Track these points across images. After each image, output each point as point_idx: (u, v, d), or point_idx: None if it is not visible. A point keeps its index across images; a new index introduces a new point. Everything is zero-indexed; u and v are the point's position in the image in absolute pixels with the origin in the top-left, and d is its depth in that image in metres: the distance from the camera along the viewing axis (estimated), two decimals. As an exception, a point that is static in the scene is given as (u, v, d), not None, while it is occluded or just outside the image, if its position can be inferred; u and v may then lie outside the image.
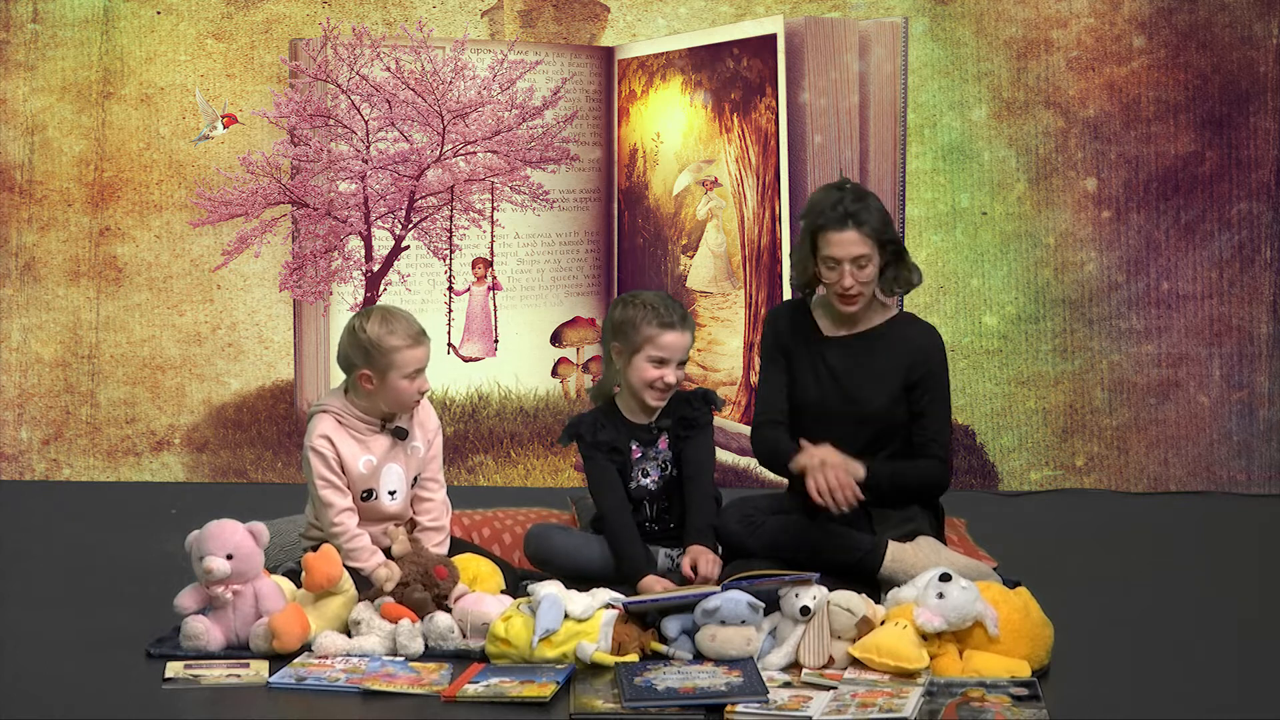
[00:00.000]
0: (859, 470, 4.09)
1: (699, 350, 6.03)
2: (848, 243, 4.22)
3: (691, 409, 4.31)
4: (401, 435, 4.20)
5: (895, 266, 4.31)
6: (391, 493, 4.18)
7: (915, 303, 5.90)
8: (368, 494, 4.16)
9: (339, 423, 4.16)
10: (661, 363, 4.24)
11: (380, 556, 4.08)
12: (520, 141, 6.07)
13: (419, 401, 4.20)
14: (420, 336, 4.15)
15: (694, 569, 4.13)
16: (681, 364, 4.27)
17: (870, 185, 5.88)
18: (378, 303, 6.05)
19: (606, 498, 4.26)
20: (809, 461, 4.10)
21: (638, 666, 3.60)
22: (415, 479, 4.23)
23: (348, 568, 3.96)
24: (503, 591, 4.04)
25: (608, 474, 4.27)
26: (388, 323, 4.13)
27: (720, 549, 4.23)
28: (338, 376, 6.04)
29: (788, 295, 5.90)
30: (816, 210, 4.28)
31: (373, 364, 4.12)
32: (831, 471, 4.07)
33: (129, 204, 6.05)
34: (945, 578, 3.69)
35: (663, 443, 4.31)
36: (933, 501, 4.35)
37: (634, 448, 4.29)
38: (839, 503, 4.06)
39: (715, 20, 6.02)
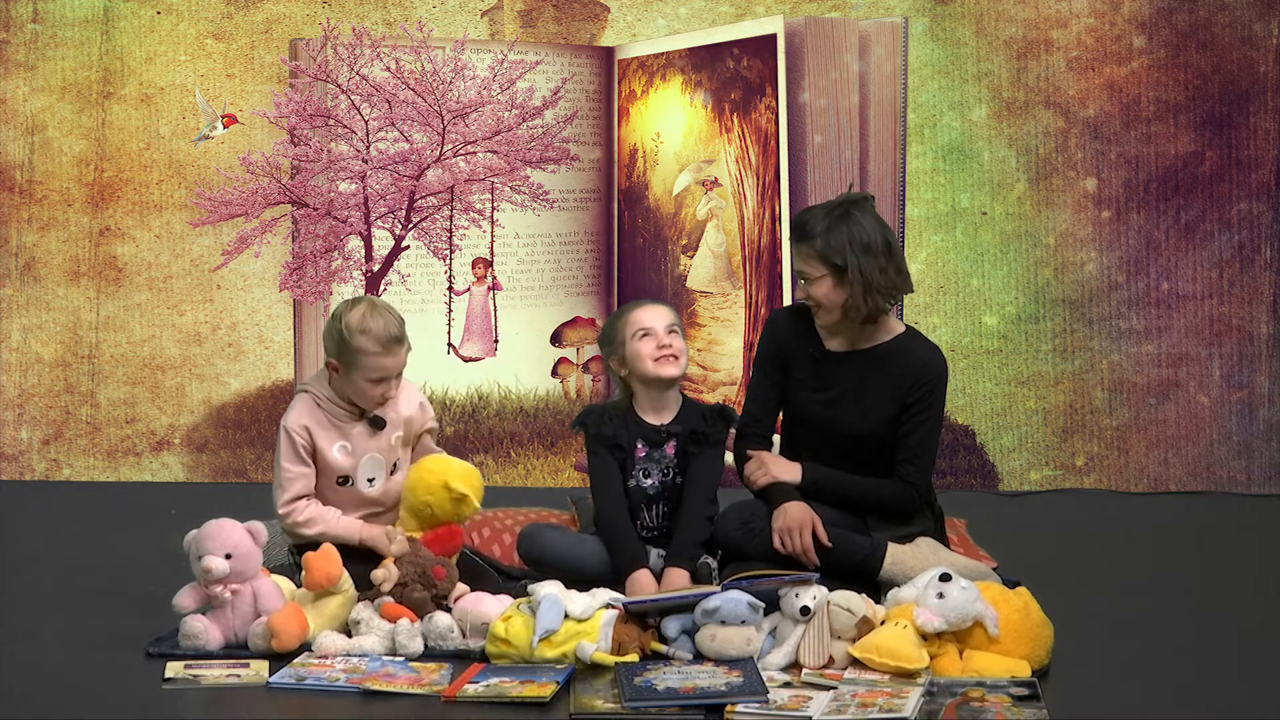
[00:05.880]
0: (822, 537, 4.15)
1: (699, 350, 6.04)
2: (794, 256, 4.27)
3: (706, 424, 4.29)
4: (379, 425, 4.18)
5: (860, 295, 4.19)
6: (370, 479, 4.19)
7: (916, 302, 5.91)
8: (343, 480, 4.17)
9: (317, 405, 4.16)
10: (647, 333, 4.24)
11: (340, 514, 4.13)
12: (520, 141, 6.07)
13: (381, 404, 4.16)
14: (393, 344, 4.08)
15: None
16: (671, 329, 4.27)
17: (870, 185, 5.88)
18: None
19: (602, 491, 4.27)
20: (777, 524, 4.16)
21: (638, 666, 3.60)
22: (395, 466, 4.23)
23: (348, 568, 3.96)
24: (498, 591, 4.04)
25: (607, 468, 4.27)
26: (366, 319, 4.07)
27: (710, 559, 4.23)
28: (338, 376, 6.07)
29: (788, 296, 5.90)
30: None
31: (340, 356, 4.10)
32: (799, 536, 4.13)
33: (129, 204, 6.05)
34: (945, 578, 3.69)
35: (669, 448, 4.30)
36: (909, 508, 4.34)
37: (639, 446, 4.29)
38: (802, 564, 4.13)
39: (715, 20, 6.02)
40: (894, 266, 4.20)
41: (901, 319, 5.76)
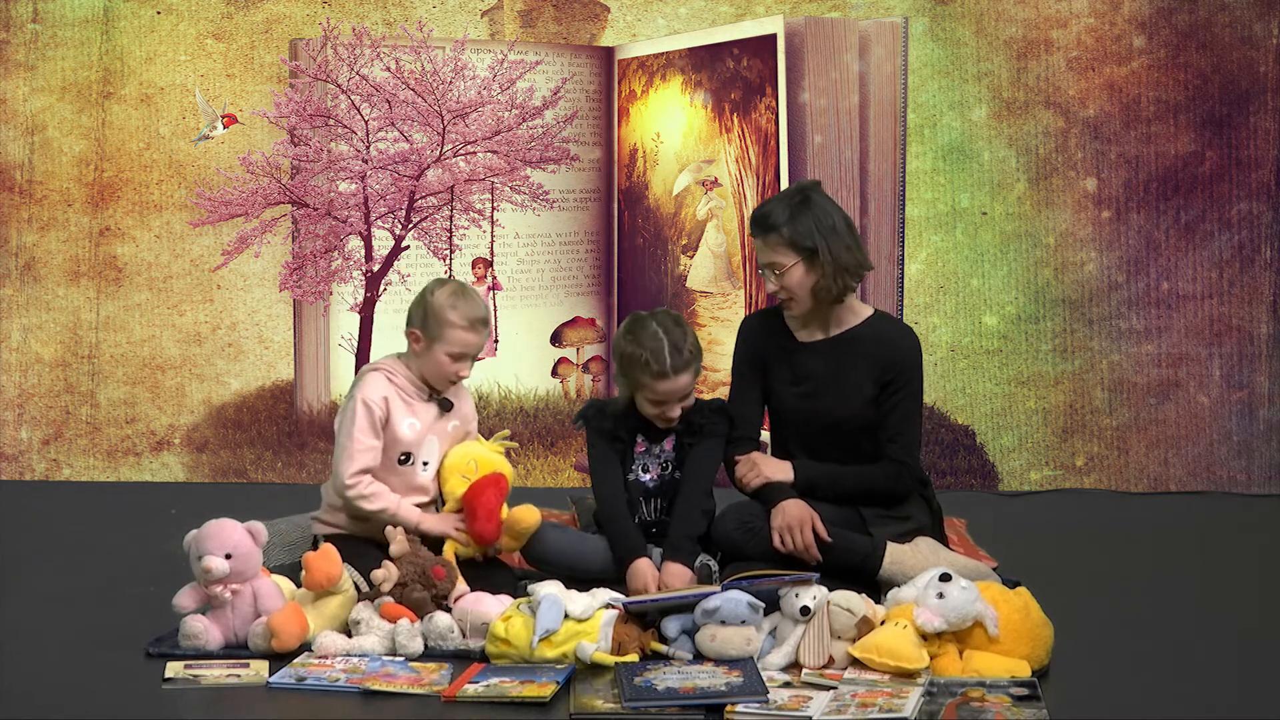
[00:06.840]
0: (823, 534, 4.15)
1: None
2: (761, 251, 4.29)
3: (701, 417, 4.31)
4: (447, 406, 4.29)
5: (830, 275, 4.23)
6: (425, 463, 4.27)
7: (915, 303, 5.91)
8: (405, 458, 4.23)
9: (389, 380, 4.24)
10: (660, 403, 4.25)
11: (397, 499, 4.18)
12: (520, 141, 6.07)
13: (454, 383, 4.30)
14: (478, 325, 4.25)
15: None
16: (684, 398, 4.26)
17: (870, 185, 5.88)
18: (378, 302, 6.06)
19: (603, 482, 4.29)
20: (777, 522, 4.16)
21: (638, 666, 3.60)
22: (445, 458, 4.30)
23: (348, 564, 3.96)
24: (500, 591, 4.04)
25: (607, 459, 4.30)
26: (457, 297, 4.24)
27: (711, 559, 4.23)
28: (338, 376, 6.07)
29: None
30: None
31: (425, 328, 4.24)
32: (799, 533, 4.13)
33: (129, 204, 6.05)
34: (945, 578, 3.69)
35: (668, 443, 4.32)
36: (899, 498, 4.33)
37: (639, 440, 4.31)
38: (803, 560, 4.13)
39: (715, 20, 6.02)
40: (856, 244, 4.29)
41: (902, 318, 5.76)
